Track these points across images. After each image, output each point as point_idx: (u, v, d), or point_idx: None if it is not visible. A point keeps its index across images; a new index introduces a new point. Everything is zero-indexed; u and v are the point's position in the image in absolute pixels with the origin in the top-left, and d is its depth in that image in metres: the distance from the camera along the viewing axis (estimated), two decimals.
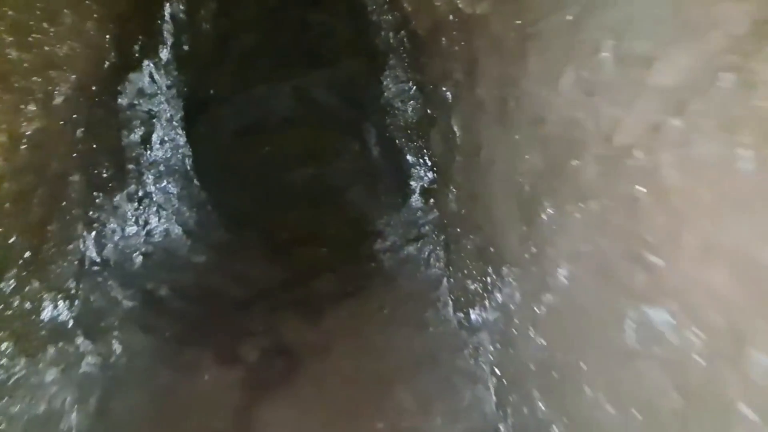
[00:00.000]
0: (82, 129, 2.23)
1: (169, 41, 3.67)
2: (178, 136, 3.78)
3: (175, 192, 3.58)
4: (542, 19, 1.35)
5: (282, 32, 5.39)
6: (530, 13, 1.44)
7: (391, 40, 3.93)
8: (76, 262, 2.26)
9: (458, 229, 2.54)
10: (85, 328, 2.21)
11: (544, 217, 1.45)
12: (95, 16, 2.03)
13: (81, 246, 2.29)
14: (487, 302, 2.17)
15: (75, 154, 2.11)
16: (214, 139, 4.96)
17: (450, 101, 2.44)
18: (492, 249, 2.05)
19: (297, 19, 5.39)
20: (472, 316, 2.37)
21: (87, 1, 2.00)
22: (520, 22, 1.50)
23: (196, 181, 4.02)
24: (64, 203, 2.08)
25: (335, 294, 3.31)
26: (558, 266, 1.33)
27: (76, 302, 2.21)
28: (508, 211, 1.77)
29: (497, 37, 1.79)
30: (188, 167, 3.91)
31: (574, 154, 1.26)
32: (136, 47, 3.16)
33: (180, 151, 3.78)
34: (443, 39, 2.33)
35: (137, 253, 2.98)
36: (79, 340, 2.13)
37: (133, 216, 2.97)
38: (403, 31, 3.77)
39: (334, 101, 5.84)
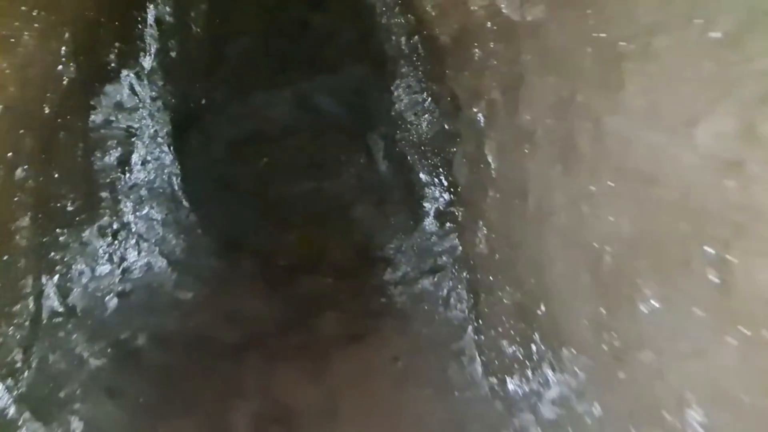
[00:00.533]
0: (33, 161, 1.81)
1: (154, 47, 3.25)
2: (164, 154, 3.36)
3: (159, 218, 3.17)
4: (654, 32, 0.94)
5: (281, 35, 4.97)
6: (625, 25, 1.03)
7: (403, 46, 3.52)
8: (27, 323, 1.85)
9: (490, 277, 2.12)
10: (35, 405, 1.79)
11: (642, 308, 1.04)
12: (36, 26, 1.62)
13: (32, 303, 1.87)
14: (532, 376, 1.76)
15: (21, 195, 1.70)
16: (207, 153, 4.54)
17: (482, 124, 2.02)
18: (541, 315, 1.65)
19: (297, 21, 4.97)
20: (511, 387, 1.95)
21: (23, 8, 1.58)
22: (604, 35, 1.09)
23: (185, 203, 3.61)
24: (7, 257, 1.67)
25: (341, 338, 2.90)
26: (685, 405, 0.91)
27: (25, 374, 1.79)
28: (572, 279, 1.36)
29: (558, 52, 1.38)
30: (176, 188, 3.49)
31: (709, 236, 0.85)
32: (112, 56, 2.74)
33: (166, 170, 3.36)
34: (476, 49, 1.92)
35: (111, 295, 2.57)
36: (24, 424, 1.71)
37: (105, 253, 2.55)
38: (416, 37, 3.35)
39: (337, 109, 5.42)
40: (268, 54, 4.93)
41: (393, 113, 3.65)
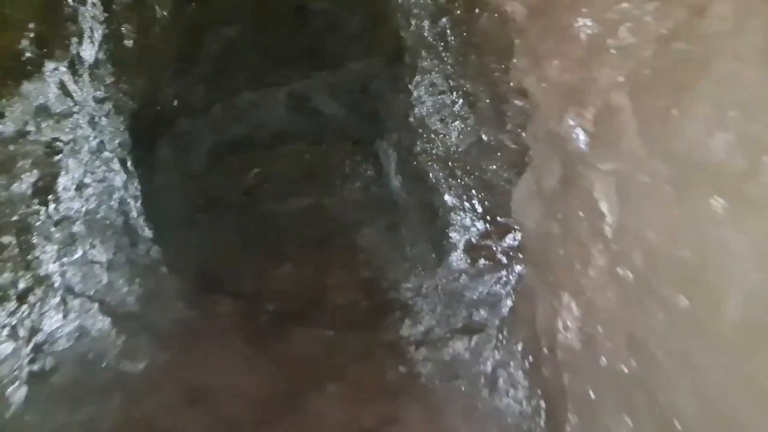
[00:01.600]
0: None
1: (98, 33, 2.46)
2: (113, 174, 2.58)
3: (103, 260, 2.38)
4: None
5: (273, 23, 4.18)
6: None
7: (426, 33, 2.73)
8: None
9: (589, 389, 1.33)
10: None
11: None
12: None
13: None
14: None
15: None
16: (182, 166, 3.75)
17: (582, 144, 1.22)
18: None
19: (293, 5, 4.18)
20: None
21: None
22: None
23: (145, 234, 2.82)
24: None
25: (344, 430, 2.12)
26: None
27: None
28: None
29: None
30: (131, 216, 2.71)
31: None
32: (26, 43, 1.95)
33: (116, 195, 2.57)
34: (585, 22, 1.12)
35: (16, 385, 1.78)
36: None
37: (5, 325, 1.77)
38: (445, 19, 2.57)
39: (340, 112, 4.63)
40: (257, 46, 4.14)
41: (411, 119, 2.86)
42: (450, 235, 2.91)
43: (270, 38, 4.32)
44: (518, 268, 2.54)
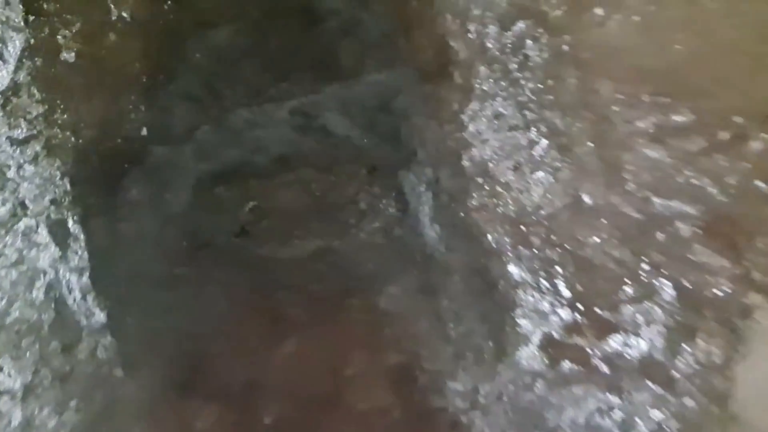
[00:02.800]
0: None
1: (14, 47, 1.68)
2: (36, 250, 1.80)
3: (15, 387, 1.60)
4: None
5: (274, 25, 3.37)
6: None
7: (491, 42, 1.93)
8: None
9: None
10: None
11: None
12: None
13: None
14: None
15: None
16: (157, 208, 2.95)
17: None
18: None
19: (298, 4, 3.39)
20: None
21: None
22: None
23: (94, 322, 2.03)
24: None
25: None
26: None
27: None
28: None
29: None
30: (69, 305, 1.93)
31: None
32: None
33: (40, 282, 1.80)
34: None
35: None
36: None
37: None
38: (524, 24, 1.77)
39: (354, 133, 3.84)
40: (253, 54, 3.36)
41: (465, 161, 2.06)
42: (517, 319, 2.13)
43: (269, 44, 3.52)
44: (634, 392, 1.77)
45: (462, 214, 2.31)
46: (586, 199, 1.64)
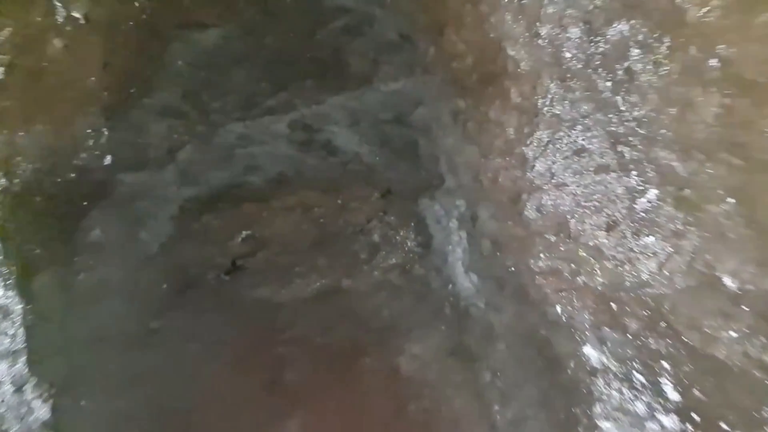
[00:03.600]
0: None
1: None
2: None
3: None
4: None
5: (272, 25, 2.84)
6: None
7: (569, 50, 1.41)
8: None
9: None
10: None
11: None
12: None
13: None
14: None
15: None
16: (128, 249, 2.41)
17: None
18: None
19: (300, 2, 2.85)
20: None
21: None
22: None
23: (25, 393, 1.51)
24: None
25: None
26: None
27: None
28: None
29: None
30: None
31: None
32: None
33: None
34: None
35: None
36: None
37: None
38: (635, 24, 1.24)
39: (364, 150, 3.31)
40: (247, 59, 2.82)
41: (532, 211, 1.53)
42: (595, 418, 1.61)
43: (266, 47, 2.98)
44: None
45: (513, 269, 1.79)
46: (728, 280, 1.13)
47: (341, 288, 2.93)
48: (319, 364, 2.46)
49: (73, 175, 1.88)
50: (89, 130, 2.00)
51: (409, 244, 2.98)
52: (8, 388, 1.48)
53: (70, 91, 1.76)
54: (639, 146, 1.28)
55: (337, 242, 3.14)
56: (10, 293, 1.53)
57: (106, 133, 2.06)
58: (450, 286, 2.47)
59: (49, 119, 1.68)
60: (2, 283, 1.52)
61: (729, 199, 1.14)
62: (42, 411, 1.56)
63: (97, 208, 2.19)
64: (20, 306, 1.56)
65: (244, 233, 3.20)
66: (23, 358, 1.53)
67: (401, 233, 3.04)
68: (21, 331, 1.52)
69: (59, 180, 1.82)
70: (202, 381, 2.32)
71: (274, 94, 3.15)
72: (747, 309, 1.17)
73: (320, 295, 2.90)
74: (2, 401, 1.45)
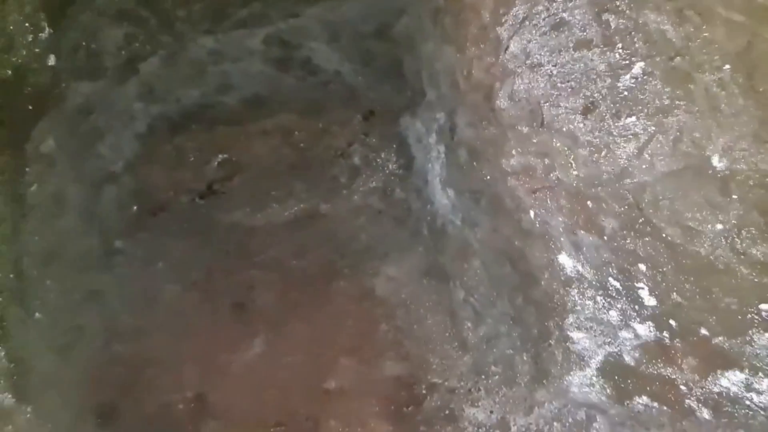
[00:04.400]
0: None
1: None
2: None
3: None
4: None
5: None
6: None
7: None
8: None
9: None
10: None
11: None
12: None
13: None
14: None
15: None
16: (86, 168, 2.26)
17: None
18: None
19: None
20: None
21: None
22: None
23: None
24: None
25: None
26: None
27: None
28: None
29: None
30: None
31: None
32: None
33: None
34: None
35: None
36: None
37: None
38: None
39: (345, 68, 3.08)
40: None
41: (505, 100, 1.35)
42: (567, 330, 1.50)
43: None
44: None
45: (488, 177, 1.64)
46: (716, 161, 0.97)
47: (319, 212, 2.79)
48: (291, 288, 2.36)
49: (9, 72, 1.71)
50: (29, 26, 1.81)
51: (390, 166, 2.82)
52: None
53: None
54: (626, 12, 1.10)
55: (316, 166, 2.98)
56: None
57: (47, 30, 1.87)
58: (429, 206, 2.33)
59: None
60: None
61: (725, 66, 0.97)
62: None
63: (47, 118, 2.03)
64: None
65: (220, 157, 3.04)
66: None
67: (382, 155, 2.87)
68: None
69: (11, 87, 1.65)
70: (165, 302, 2.23)
71: (247, 4, 2.91)
72: (736, 196, 1.02)
73: (297, 220, 2.77)
74: None
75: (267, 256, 2.57)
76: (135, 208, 2.70)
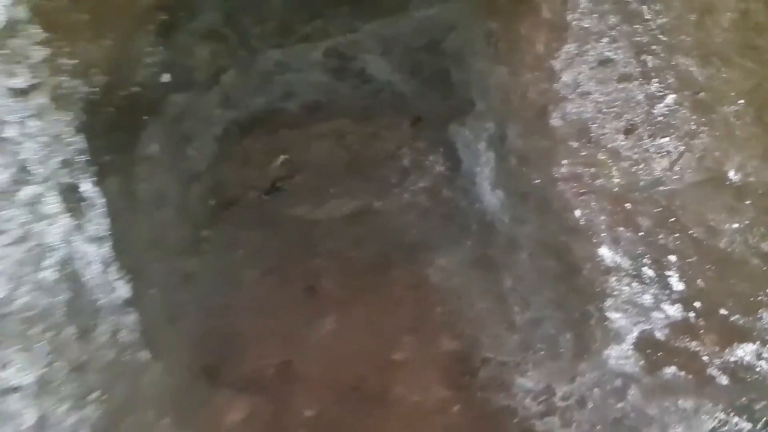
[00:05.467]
0: None
1: None
2: (44, 222, 1.52)
3: (27, 382, 1.35)
4: None
5: None
6: None
7: None
8: None
9: None
10: None
11: None
12: None
13: None
14: None
15: None
16: (178, 165, 2.61)
17: None
18: None
19: None
20: None
21: None
22: None
23: (117, 297, 1.75)
24: None
25: None
26: None
27: None
28: None
29: None
30: (87, 280, 1.65)
31: None
32: None
33: (52, 259, 1.52)
34: None
35: None
36: None
37: None
38: None
39: (396, 78, 3.38)
40: None
41: (558, 120, 1.63)
42: (606, 312, 1.78)
43: None
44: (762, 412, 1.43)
45: (538, 181, 1.93)
46: (732, 174, 1.25)
47: (372, 209, 3.10)
48: (351, 275, 2.67)
49: (134, 88, 2.06)
50: (147, 49, 2.15)
51: (437, 168, 3.12)
52: (98, 266, 1.71)
53: (132, 9, 1.91)
54: (661, 54, 1.37)
55: (369, 167, 3.30)
56: (96, 188, 1.73)
57: (161, 52, 2.21)
58: (477, 204, 2.62)
59: (115, 35, 1.83)
60: (89, 179, 1.72)
61: (740, 101, 1.24)
62: (123, 290, 1.80)
63: (153, 125, 2.38)
64: (103, 200, 1.78)
65: (282, 157, 3.38)
66: (109, 244, 1.76)
67: (430, 158, 3.17)
68: (104, 220, 1.74)
69: (123, 92, 1.99)
70: (245, 285, 2.57)
71: (310, 21, 3.24)
72: (749, 202, 1.29)
73: (353, 215, 3.08)
74: (92, 278, 1.70)
75: (328, 246, 2.89)
76: (213, 202, 3.07)
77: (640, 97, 1.41)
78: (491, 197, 2.42)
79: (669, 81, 1.37)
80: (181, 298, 2.32)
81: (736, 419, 1.44)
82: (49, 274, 1.53)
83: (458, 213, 2.82)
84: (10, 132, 1.47)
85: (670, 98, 1.35)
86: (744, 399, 1.47)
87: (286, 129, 3.42)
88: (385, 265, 2.73)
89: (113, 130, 1.97)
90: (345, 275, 2.67)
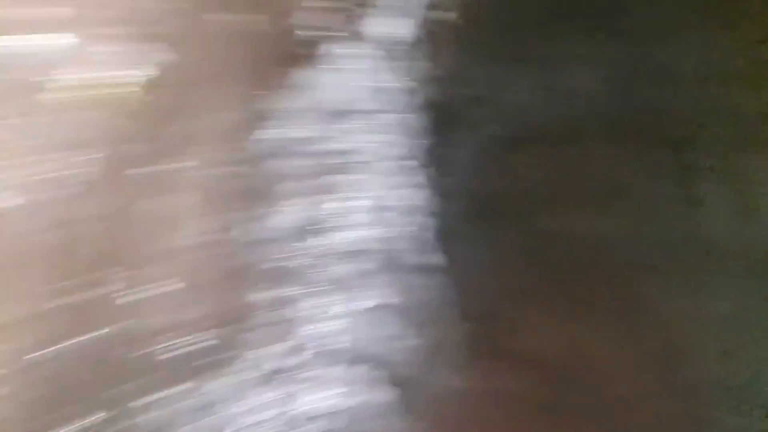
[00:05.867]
0: None
1: None
2: (416, 190, 2.01)
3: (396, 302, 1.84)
4: None
5: None
6: None
7: None
8: None
9: None
10: None
11: None
12: None
13: None
14: None
15: None
16: (462, 167, 3.01)
17: None
18: None
19: None
20: None
21: None
22: None
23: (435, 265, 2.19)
24: None
25: None
26: None
27: None
28: None
29: None
30: (428, 244, 2.12)
31: None
32: None
33: (416, 219, 2.01)
34: None
35: None
36: None
37: None
38: None
39: (667, 104, 3.38)
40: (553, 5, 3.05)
41: None
42: None
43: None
44: None
45: None
46: None
47: (617, 233, 3.13)
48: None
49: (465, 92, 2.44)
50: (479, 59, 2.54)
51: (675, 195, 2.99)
52: (431, 238, 2.11)
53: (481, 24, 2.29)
54: None
55: (623, 190, 3.33)
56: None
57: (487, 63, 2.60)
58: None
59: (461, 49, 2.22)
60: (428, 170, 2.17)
61: None
62: (440, 262, 2.18)
63: (458, 130, 2.77)
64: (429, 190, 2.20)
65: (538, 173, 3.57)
66: (437, 220, 2.16)
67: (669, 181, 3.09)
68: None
69: (448, 98, 2.42)
70: (508, 279, 2.83)
71: (582, 42, 3.34)
72: None
73: (604, 237, 3.16)
74: (425, 253, 2.10)
75: (574, 264, 2.99)
76: (478, 208, 3.40)
77: None
78: None
79: None
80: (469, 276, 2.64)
81: None
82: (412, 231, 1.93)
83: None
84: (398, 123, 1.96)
85: None
86: None
87: (538, 146, 3.63)
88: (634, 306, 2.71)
89: (443, 130, 2.42)
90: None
